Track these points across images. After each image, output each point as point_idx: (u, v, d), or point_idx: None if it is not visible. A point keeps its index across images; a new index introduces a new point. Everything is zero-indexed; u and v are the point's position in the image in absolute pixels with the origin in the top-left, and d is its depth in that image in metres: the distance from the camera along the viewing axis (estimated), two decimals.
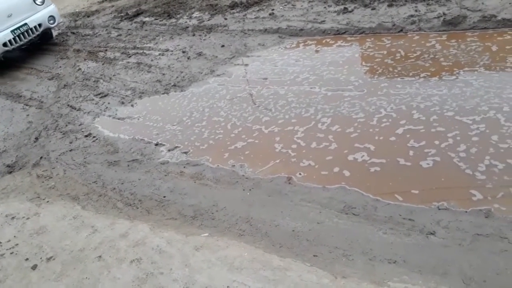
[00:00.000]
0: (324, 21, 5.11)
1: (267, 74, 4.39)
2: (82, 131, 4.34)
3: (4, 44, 6.41)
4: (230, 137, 3.58)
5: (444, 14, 4.43)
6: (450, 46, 3.98)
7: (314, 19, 5.22)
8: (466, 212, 2.37)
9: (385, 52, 4.20)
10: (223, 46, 5.32)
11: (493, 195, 2.42)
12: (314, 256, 2.26)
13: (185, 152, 3.55)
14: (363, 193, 2.68)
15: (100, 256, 2.59)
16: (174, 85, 4.74)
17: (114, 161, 3.68)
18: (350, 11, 5.15)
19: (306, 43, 4.84)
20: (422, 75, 3.67)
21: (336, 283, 1.99)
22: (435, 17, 4.45)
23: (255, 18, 5.85)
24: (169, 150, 3.63)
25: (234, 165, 3.22)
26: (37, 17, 6.77)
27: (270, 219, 2.63)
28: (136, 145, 3.82)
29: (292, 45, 4.87)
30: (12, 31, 6.42)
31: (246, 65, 4.73)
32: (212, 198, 2.93)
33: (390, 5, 4.98)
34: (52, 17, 6.99)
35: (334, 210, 2.61)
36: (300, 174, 2.98)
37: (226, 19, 6.16)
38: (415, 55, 4.00)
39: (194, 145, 3.62)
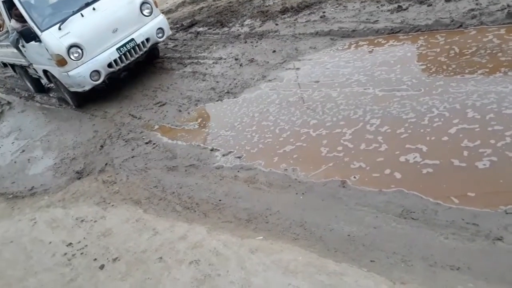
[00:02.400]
0: (377, 20, 4.98)
1: (318, 77, 4.36)
2: (143, 139, 4.58)
3: (109, 65, 5.51)
4: (280, 141, 3.60)
5: (508, 6, 4.15)
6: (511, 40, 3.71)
7: (367, 19, 5.11)
8: None
9: (444, 49, 4.01)
10: (274, 51, 5.37)
11: None
12: (371, 261, 2.21)
13: (238, 157, 3.62)
14: (422, 197, 2.57)
15: (161, 258, 2.71)
16: (228, 92, 4.86)
17: (173, 167, 3.84)
18: (404, 9, 4.98)
19: (358, 44, 4.75)
20: (479, 71, 3.46)
21: None
22: (498, 10, 4.18)
23: (306, 21, 5.84)
24: (223, 155, 3.72)
25: (287, 169, 3.23)
26: (145, 30, 5.75)
27: (325, 223, 2.61)
28: (193, 151, 3.97)
29: (344, 46, 4.81)
30: (118, 49, 5.52)
31: (298, 69, 4.74)
32: (265, 201, 2.96)
33: (447, 0, 4.76)
34: (161, 30, 5.92)
35: (392, 214, 2.53)
36: (354, 177, 2.92)
37: (277, 24, 6.21)
38: (471, 51, 3.78)
39: (246, 149, 3.69)
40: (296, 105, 4.06)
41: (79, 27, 5.33)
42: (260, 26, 6.40)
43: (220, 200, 3.16)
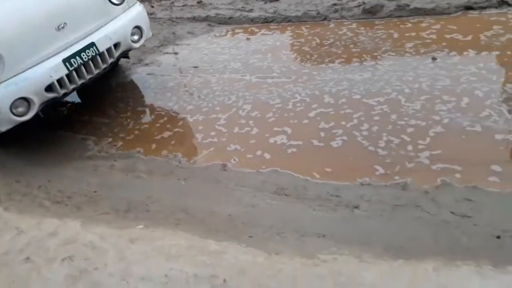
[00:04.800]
0: (252, 9, 5.17)
1: (197, 62, 4.37)
2: None
3: (49, 88, 3.14)
4: (157, 127, 3.54)
5: (363, 3, 4.70)
6: (360, 33, 4.25)
7: (242, 7, 5.27)
8: (386, 185, 2.58)
9: (307, 39, 4.39)
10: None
11: (406, 169, 2.66)
12: (249, 237, 2.33)
13: (114, 145, 3.45)
14: (293, 174, 2.81)
15: (28, 258, 2.45)
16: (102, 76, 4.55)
17: (39, 159, 3.47)
18: (276, 0, 5.26)
19: (235, 31, 4.88)
20: (336, 61, 3.90)
21: (270, 259, 2.09)
22: (355, 6, 4.71)
23: (182, 6, 5.77)
24: (96, 144, 3.50)
25: (168, 155, 3.20)
26: (113, 29, 3.47)
27: (207, 207, 2.66)
28: (61, 140, 3.64)
29: (221, 33, 4.89)
30: (67, 60, 3.17)
31: (176, 53, 4.67)
32: (146, 190, 2.89)
33: None
34: (137, 29, 3.70)
35: (268, 192, 2.71)
36: (234, 160, 3.04)
37: (152, 7, 6.00)
38: (329, 42, 4.23)
39: (121, 136, 3.53)
40: (173, 90, 4.02)
41: None
42: None
43: (95, 192, 2.97)
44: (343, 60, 3.90)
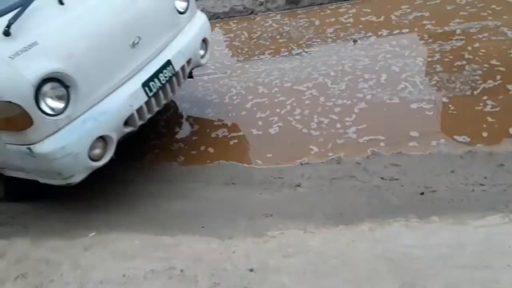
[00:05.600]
0: None
1: None
2: None
3: (127, 122, 2.54)
4: None
5: None
6: (285, 24, 4.49)
7: None
8: (322, 162, 2.81)
9: (236, 34, 4.54)
10: None
11: (338, 145, 2.90)
12: (202, 227, 2.44)
13: None
14: (238, 164, 2.96)
15: None
16: None
17: None
18: None
19: None
20: (265, 53, 4.11)
21: (224, 244, 2.22)
22: None
23: None
24: None
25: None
26: (184, 43, 2.87)
27: (158, 205, 2.73)
28: None
29: None
30: (145, 85, 2.57)
31: None
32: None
33: None
34: (204, 43, 3.09)
35: (216, 184, 2.83)
36: (180, 158, 3.13)
37: None
38: (257, 35, 4.42)
39: None
40: None
41: (56, 31, 2.23)
42: None
43: (41, 208, 2.92)
44: (272, 51, 4.09)
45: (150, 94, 2.59)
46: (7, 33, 2.03)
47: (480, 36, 3.52)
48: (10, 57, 2.03)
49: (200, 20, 3.10)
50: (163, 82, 2.68)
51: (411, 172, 2.56)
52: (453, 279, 1.77)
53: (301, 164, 2.84)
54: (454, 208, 2.19)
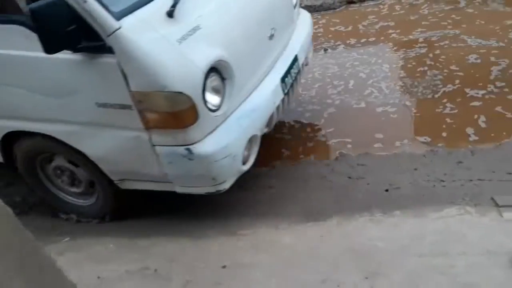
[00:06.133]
0: None
1: None
2: None
3: (270, 123, 2.36)
4: None
5: None
6: None
7: None
8: (293, 165, 2.91)
9: None
10: None
11: (308, 148, 3.02)
12: (176, 229, 2.49)
13: None
14: None
15: None
16: None
17: None
18: None
19: None
20: None
21: (197, 244, 2.28)
22: None
23: None
24: None
25: None
26: (302, 39, 2.71)
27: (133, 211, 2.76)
28: None
29: None
30: (282, 81, 2.36)
31: None
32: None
33: None
34: (310, 40, 2.95)
35: None
36: None
37: None
38: None
39: None
40: None
41: (214, 15, 2.04)
42: None
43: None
44: None
45: (286, 91, 2.38)
46: (171, 14, 1.81)
47: (441, 43, 3.74)
48: (178, 41, 1.80)
49: (306, 16, 2.96)
50: (293, 79, 2.48)
51: (377, 171, 2.69)
52: (413, 267, 1.88)
53: (275, 166, 2.93)
54: (416, 203, 2.32)
